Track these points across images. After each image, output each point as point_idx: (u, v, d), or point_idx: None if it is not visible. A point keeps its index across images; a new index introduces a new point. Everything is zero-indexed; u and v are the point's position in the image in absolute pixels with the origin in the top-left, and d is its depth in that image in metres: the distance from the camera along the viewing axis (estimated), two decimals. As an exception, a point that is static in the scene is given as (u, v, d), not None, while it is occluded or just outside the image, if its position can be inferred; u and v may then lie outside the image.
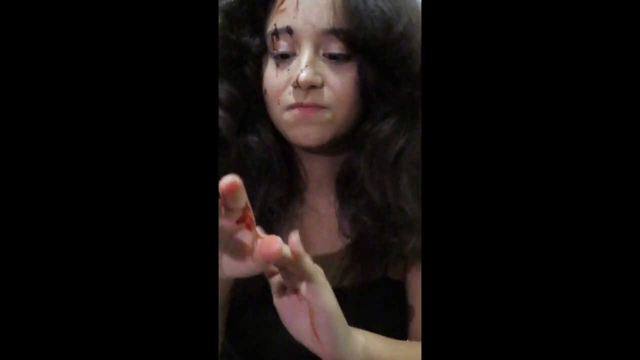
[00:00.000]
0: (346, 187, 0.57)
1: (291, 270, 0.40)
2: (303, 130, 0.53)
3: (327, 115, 0.52)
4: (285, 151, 0.58)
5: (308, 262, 0.40)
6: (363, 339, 0.46)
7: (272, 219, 0.56)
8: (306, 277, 0.40)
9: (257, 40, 0.55)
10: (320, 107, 0.52)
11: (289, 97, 0.52)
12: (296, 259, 0.39)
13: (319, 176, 0.60)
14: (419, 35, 0.53)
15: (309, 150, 0.57)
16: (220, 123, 0.55)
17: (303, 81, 0.50)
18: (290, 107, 0.52)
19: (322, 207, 0.60)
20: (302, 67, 0.51)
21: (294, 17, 0.51)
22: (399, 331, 0.63)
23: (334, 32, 0.51)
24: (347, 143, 0.56)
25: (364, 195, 0.55)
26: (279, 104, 0.53)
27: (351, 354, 0.43)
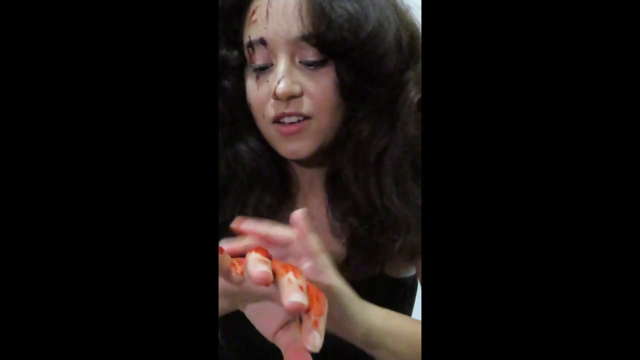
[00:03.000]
0: (333, 189, 0.57)
1: (294, 250, 0.39)
2: (290, 147, 0.53)
3: (312, 125, 0.52)
4: (274, 156, 0.57)
5: (313, 240, 0.39)
6: (383, 313, 0.45)
7: None
8: (310, 255, 0.38)
9: (235, 53, 0.54)
10: (304, 117, 0.52)
11: (271, 109, 0.52)
12: (301, 237, 0.38)
13: (310, 177, 0.60)
14: (390, 34, 0.53)
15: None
16: None
17: (281, 93, 0.50)
18: (275, 121, 0.52)
19: (314, 208, 0.60)
20: (279, 78, 0.50)
21: (265, 28, 0.51)
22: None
23: (304, 39, 0.50)
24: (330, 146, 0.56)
25: (349, 196, 0.55)
26: (264, 117, 0.53)
27: (369, 328, 0.42)
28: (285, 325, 0.39)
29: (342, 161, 0.55)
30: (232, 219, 0.55)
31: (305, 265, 0.39)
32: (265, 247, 0.37)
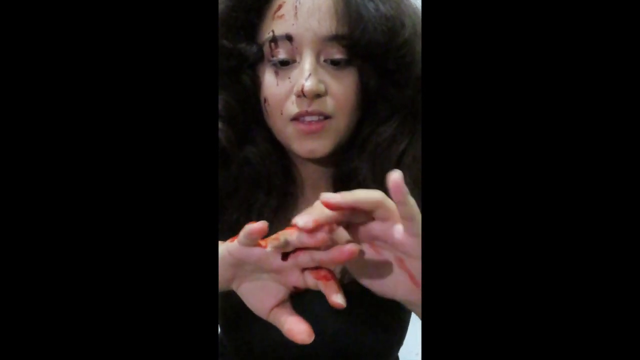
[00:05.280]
0: (346, 188, 0.56)
1: (382, 214, 0.36)
2: (308, 146, 0.52)
3: (332, 125, 0.52)
4: (281, 159, 0.57)
5: (411, 201, 0.35)
6: None
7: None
8: (407, 218, 0.35)
9: (254, 48, 0.53)
10: (324, 117, 0.51)
11: (292, 107, 0.51)
12: (399, 199, 0.34)
13: (315, 180, 0.60)
14: (421, 41, 0.52)
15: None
16: (220, 135, 0.54)
17: (308, 90, 0.49)
18: (294, 118, 0.52)
19: None
20: (306, 76, 0.50)
21: (293, 24, 0.50)
22: (400, 328, 0.64)
23: (336, 39, 0.50)
24: (343, 149, 0.56)
25: None
26: (281, 114, 0.52)
27: None
28: (280, 303, 0.41)
29: (360, 160, 0.55)
30: (236, 222, 0.56)
31: (397, 228, 0.36)
32: (350, 218, 0.37)
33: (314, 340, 0.40)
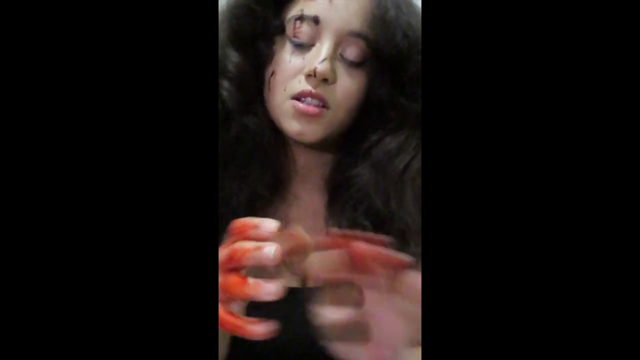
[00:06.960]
0: (346, 192, 0.57)
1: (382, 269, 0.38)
2: (298, 127, 0.53)
3: (328, 115, 0.53)
4: (278, 136, 0.57)
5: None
6: None
7: (259, 206, 0.56)
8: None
9: (277, 21, 0.55)
10: (323, 105, 0.52)
11: (297, 85, 0.52)
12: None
13: (306, 166, 0.60)
14: None
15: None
16: (225, 95, 0.55)
17: (321, 72, 0.50)
18: (296, 97, 0.52)
19: (306, 195, 0.60)
20: (322, 58, 0.51)
21: (323, 8, 0.52)
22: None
23: (361, 36, 0.52)
24: (338, 143, 0.57)
25: (365, 201, 0.55)
26: (284, 90, 0.53)
27: None
28: None
29: (363, 168, 0.56)
30: (230, 194, 0.55)
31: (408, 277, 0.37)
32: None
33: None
